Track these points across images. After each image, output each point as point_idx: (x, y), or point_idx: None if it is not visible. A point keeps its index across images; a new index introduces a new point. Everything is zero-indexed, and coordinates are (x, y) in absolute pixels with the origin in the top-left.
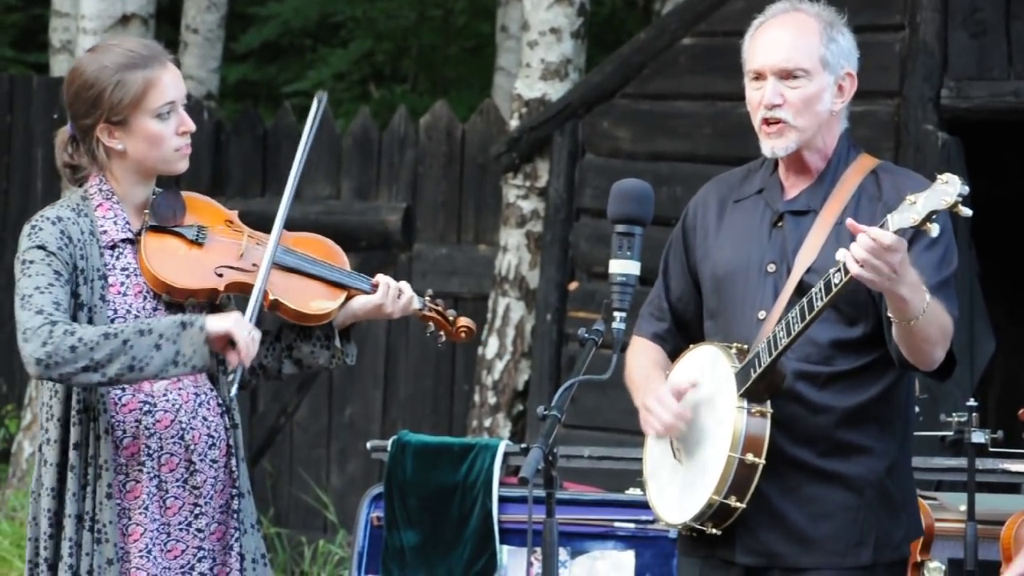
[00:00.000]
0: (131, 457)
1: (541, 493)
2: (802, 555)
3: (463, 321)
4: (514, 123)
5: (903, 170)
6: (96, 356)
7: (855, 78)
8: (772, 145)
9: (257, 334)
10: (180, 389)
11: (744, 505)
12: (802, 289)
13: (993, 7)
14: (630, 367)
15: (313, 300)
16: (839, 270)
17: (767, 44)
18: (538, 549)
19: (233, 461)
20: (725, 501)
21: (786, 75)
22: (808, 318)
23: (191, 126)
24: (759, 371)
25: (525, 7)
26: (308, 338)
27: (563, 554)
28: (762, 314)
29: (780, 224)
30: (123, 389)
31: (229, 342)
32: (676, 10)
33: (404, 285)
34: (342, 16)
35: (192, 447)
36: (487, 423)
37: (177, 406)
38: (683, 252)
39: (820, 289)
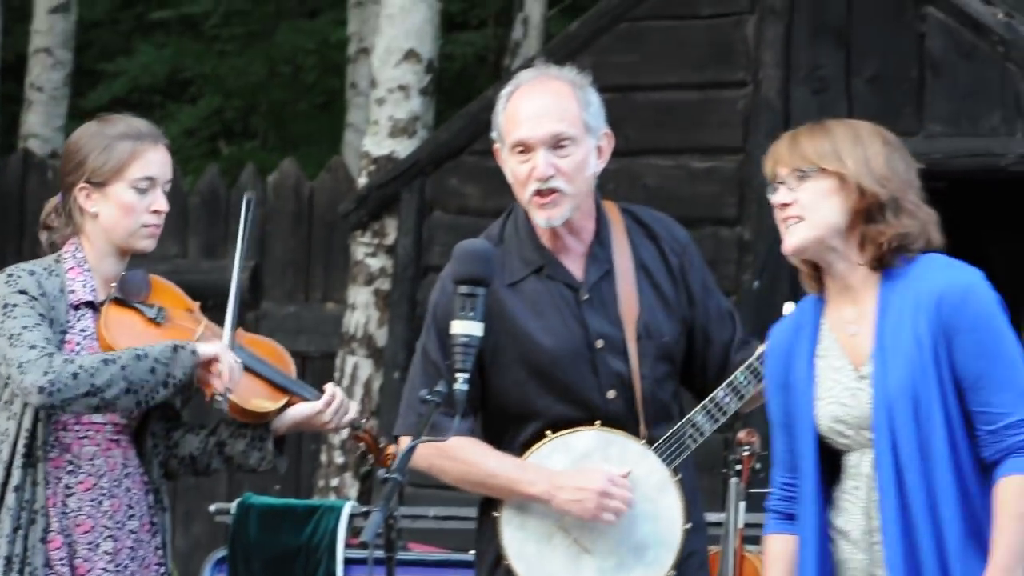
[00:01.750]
0: (52, 508)
1: (383, 555)
2: None
3: (391, 449)
4: (362, 180)
5: (643, 207)
6: (96, 381)
7: (612, 137)
8: (548, 215)
9: (239, 365)
10: (108, 457)
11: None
12: (652, 345)
13: (833, 64)
14: (471, 460)
15: (255, 397)
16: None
17: (531, 115)
18: None
19: (158, 539)
20: (673, 572)
21: (555, 144)
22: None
23: (164, 207)
24: (694, 445)
25: (373, 64)
26: (243, 436)
27: None
28: (612, 394)
29: (586, 299)
30: (52, 446)
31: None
32: (524, 67)
33: (343, 395)
34: (191, 72)
35: (110, 514)
36: (335, 483)
37: (101, 472)
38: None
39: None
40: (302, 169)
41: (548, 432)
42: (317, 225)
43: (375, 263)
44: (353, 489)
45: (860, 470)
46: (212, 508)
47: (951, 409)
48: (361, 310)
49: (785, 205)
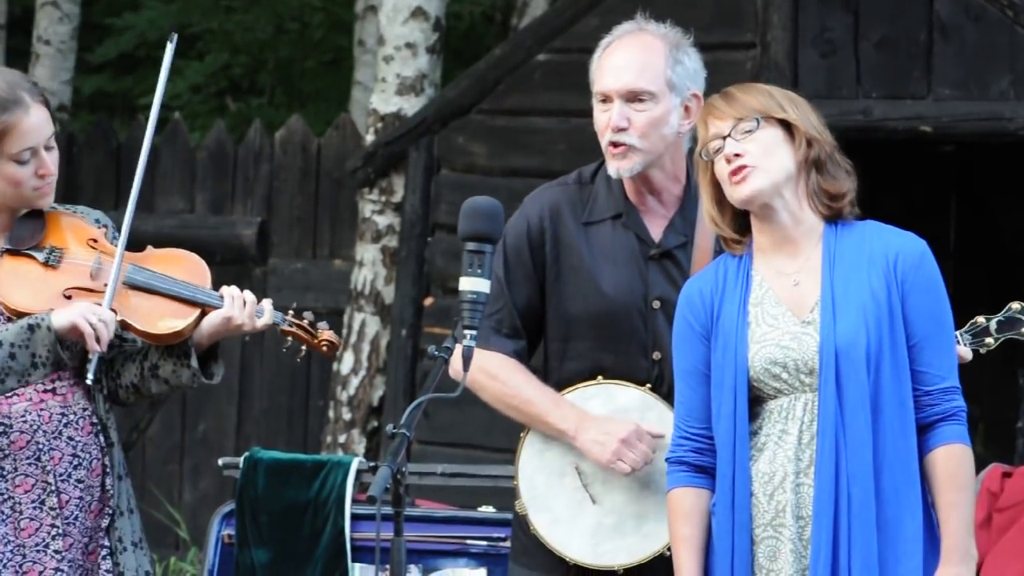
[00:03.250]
0: None
1: (390, 511)
2: None
3: (326, 335)
4: (370, 138)
5: None
6: None
7: (702, 99)
8: (617, 166)
9: (108, 316)
10: (42, 410)
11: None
12: None
13: (842, 27)
14: (511, 383)
15: (161, 319)
16: None
17: (613, 67)
18: (388, 567)
19: (108, 480)
20: (665, 553)
21: (632, 98)
22: None
23: (51, 170)
24: None
25: (381, 22)
26: (169, 357)
27: (415, 571)
28: (656, 355)
29: (654, 255)
30: None
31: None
32: (531, 26)
33: (249, 295)
34: (198, 28)
35: (50, 469)
36: (342, 439)
37: (35, 427)
38: (531, 268)
39: None
40: (309, 126)
41: (600, 376)
42: (324, 182)
43: (382, 220)
44: (361, 445)
45: (793, 413)
46: (220, 462)
47: (901, 362)
48: (368, 267)
49: (737, 156)
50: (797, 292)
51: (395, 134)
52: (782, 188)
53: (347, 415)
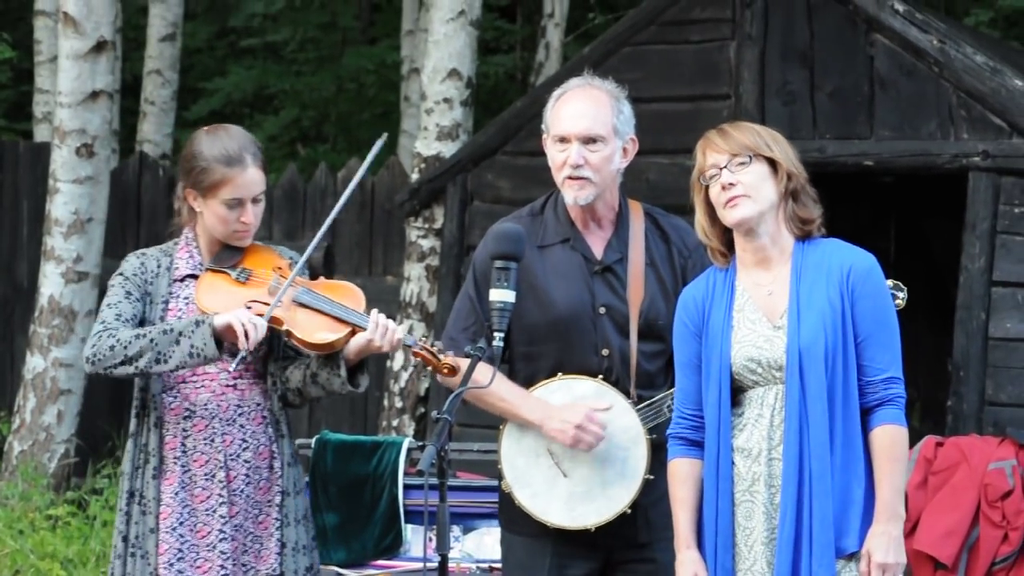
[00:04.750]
0: (170, 451)
1: (436, 482)
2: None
3: (448, 359)
4: (415, 176)
5: (665, 213)
6: (129, 352)
7: (636, 142)
8: (575, 195)
9: (260, 323)
10: (221, 401)
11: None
12: (648, 325)
13: (800, 81)
14: (494, 386)
15: (317, 331)
16: None
17: (571, 114)
18: (435, 527)
19: (276, 464)
20: (627, 511)
21: (588, 140)
22: None
23: (250, 220)
24: (669, 414)
25: (423, 81)
26: (325, 367)
27: (456, 531)
28: (605, 351)
29: (598, 271)
30: (174, 396)
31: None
32: (546, 83)
33: (391, 322)
34: (274, 88)
35: (221, 449)
36: (395, 423)
37: (213, 415)
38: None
39: None
40: None
41: (559, 373)
42: (378, 213)
43: (426, 244)
44: (410, 428)
45: (766, 401)
46: (296, 443)
47: (850, 357)
48: (415, 282)
49: (732, 185)
50: (770, 301)
51: (435, 173)
52: (766, 214)
53: (399, 403)
